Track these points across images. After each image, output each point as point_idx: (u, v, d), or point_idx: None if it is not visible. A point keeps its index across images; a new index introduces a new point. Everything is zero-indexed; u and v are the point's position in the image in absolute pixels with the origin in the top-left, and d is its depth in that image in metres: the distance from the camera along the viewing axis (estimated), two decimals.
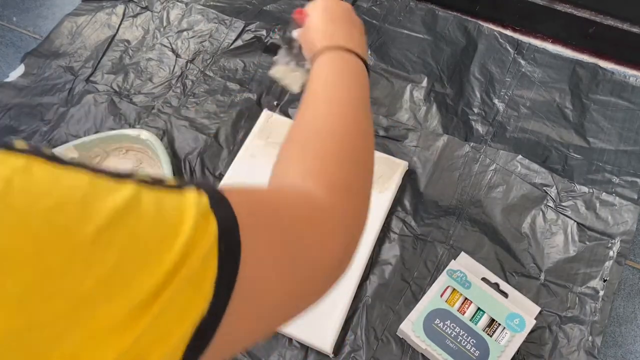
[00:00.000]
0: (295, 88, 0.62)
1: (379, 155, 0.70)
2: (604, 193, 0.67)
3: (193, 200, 0.24)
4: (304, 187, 0.36)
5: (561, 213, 0.66)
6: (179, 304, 0.22)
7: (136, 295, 0.21)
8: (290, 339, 0.60)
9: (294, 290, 0.31)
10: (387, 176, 0.68)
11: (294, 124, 0.44)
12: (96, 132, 0.75)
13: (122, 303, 0.21)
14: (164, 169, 0.70)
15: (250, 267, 0.25)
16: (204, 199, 0.25)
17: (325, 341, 0.59)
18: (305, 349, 0.60)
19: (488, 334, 0.58)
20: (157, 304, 0.21)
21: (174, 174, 0.71)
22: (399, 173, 0.68)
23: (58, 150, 0.68)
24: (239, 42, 0.82)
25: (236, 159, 0.71)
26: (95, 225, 0.21)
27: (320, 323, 0.60)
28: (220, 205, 0.25)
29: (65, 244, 0.20)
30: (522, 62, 0.79)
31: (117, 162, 0.73)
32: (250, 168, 0.70)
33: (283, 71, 0.64)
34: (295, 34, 0.59)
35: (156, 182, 0.24)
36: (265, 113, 0.74)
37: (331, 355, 0.59)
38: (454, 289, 0.60)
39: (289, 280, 0.30)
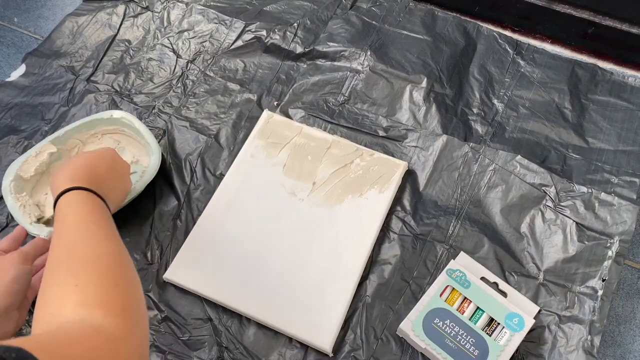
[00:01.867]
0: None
1: (378, 155, 0.70)
2: (602, 193, 0.67)
3: None
4: (93, 320, 0.37)
5: (560, 213, 0.66)
6: None
7: None
8: (290, 338, 0.60)
9: None
10: (387, 176, 0.68)
11: (53, 255, 0.46)
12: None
13: None
14: (146, 140, 0.70)
15: None
16: None
17: (324, 340, 0.59)
18: (305, 348, 0.60)
19: (487, 334, 0.58)
20: None
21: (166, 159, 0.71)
22: (398, 173, 0.68)
23: (37, 147, 0.69)
24: (240, 43, 0.83)
25: (237, 159, 0.71)
26: None
27: (319, 322, 0.60)
28: None
29: None
30: (521, 62, 0.79)
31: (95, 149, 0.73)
32: (251, 168, 0.70)
33: None
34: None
35: None
36: (265, 113, 0.74)
37: (330, 355, 0.59)
38: (453, 289, 0.61)
39: None
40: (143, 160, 0.72)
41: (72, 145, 0.72)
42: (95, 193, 0.52)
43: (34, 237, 0.61)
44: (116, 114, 0.72)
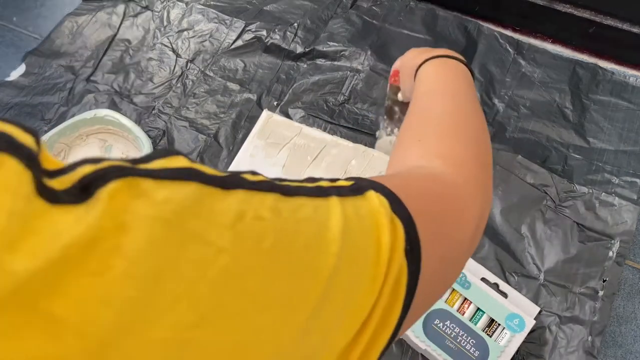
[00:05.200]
0: None
1: (378, 156, 0.70)
2: (603, 193, 0.67)
3: (379, 206, 0.25)
4: (433, 168, 0.35)
5: (561, 213, 0.66)
6: (385, 314, 0.23)
7: (360, 317, 0.22)
8: None
9: (444, 274, 0.31)
10: None
11: (406, 121, 0.44)
12: None
13: (350, 328, 0.22)
14: (135, 133, 0.70)
15: (424, 263, 0.26)
16: (385, 202, 0.25)
17: None
18: None
19: (488, 334, 0.58)
20: (372, 320, 0.23)
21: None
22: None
23: None
24: (240, 42, 0.82)
25: (236, 159, 0.71)
26: (331, 254, 0.21)
27: None
28: (399, 207, 0.26)
29: (316, 283, 0.21)
30: (522, 62, 0.79)
31: (82, 152, 0.73)
32: (250, 168, 0.70)
33: (390, 142, 0.66)
34: (400, 96, 0.59)
35: (338, 189, 0.25)
36: (265, 113, 0.74)
37: None
38: (453, 289, 0.60)
39: (443, 267, 0.30)
40: (133, 155, 0.72)
41: (58, 150, 0.72)
42: (454, 58, 0.48)
43: None
44: (99, 112, 0.72)
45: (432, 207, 0.31)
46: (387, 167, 0.41)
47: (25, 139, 0.18)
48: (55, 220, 0.17)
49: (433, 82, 0.46)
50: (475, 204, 0.35)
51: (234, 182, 0.21)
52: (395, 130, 0.66)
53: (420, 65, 0.49)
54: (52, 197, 0.17)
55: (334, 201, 0.23)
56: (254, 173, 0.24)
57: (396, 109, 0.62)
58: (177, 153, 0.22)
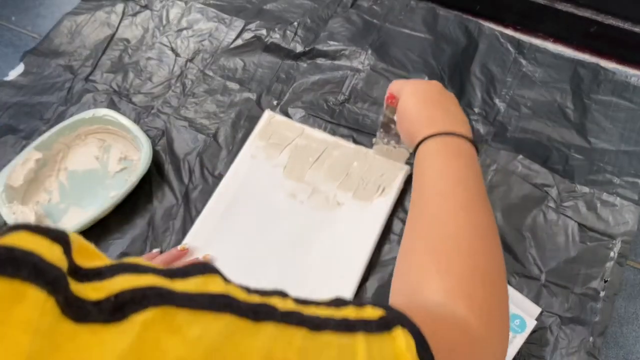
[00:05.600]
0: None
1: (379, 157, 0.69)
2: (604, 193, 0.66)
3: (405, 351, 0.24)
4: (456, 312, 0.34)
5: (562, 213, 0.66)
6: None
7: None
8: None
9: None
10: (388, 180, 0.67)
11: (414, 225, 0.42)
12: None
13: None
14: (133, 133, 0.70)
15: None
16: (412, 345, 0.25)
17: None
18: None
19: None
20: None
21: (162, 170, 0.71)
22: (400, 177, 0.68)
23: (22, 155, 0.68)
24: (239, 42, 0.82)
25: (237, 159, 0.70)
26: None
27: None
28: (425, 354, 0.26)
29: None
30: (523, 61, 0.79)
31: (81, 152, 0.72)
32: (251, 169, 0.69)
33: (386, 150, 0.66)
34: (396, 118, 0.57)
35: (365, 323, 0.24)
36: (267, 114, 0.73)
37: None
38: None
39: None
40: (132, 155, 0.72)
41: (57, 150, 0.72)
42: (460, 136, 0.45)
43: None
44: (98, 112, 0.72)
45: (459, 356, 0.31)
46: (396, 277, 0.40)
47: (53, 253, 0.18)
48: (81, 346, 0.16)
49: (443, 181, 0.42)
50: (496, 353, 0.34)
51: (265, 312, 0.22)
52: (392, 142, 0.66)
53: (423, 140, 0.46)
54: (81, 314, 0.17)
55: (360, 342, 0.23)
56: (283, 295, 0.24)
57: (392, 126, 0.62)
58: (214, 271, 0.22)
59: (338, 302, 0.26)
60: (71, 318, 0.17)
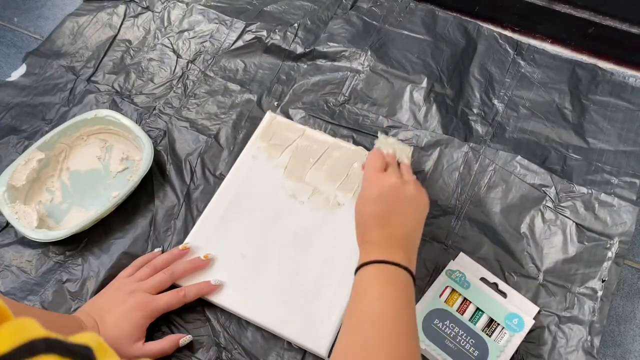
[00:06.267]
0: (404, 159, 0.64)
1: None
2: (602, 194, 0.67)
3: None
4: None
5: (560, 213, 0.66)
6: None
7: None
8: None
9: None
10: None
11: (344, 344, 0.47)
12: None
13: None
14: (135, 133, 0.71)
15: None
16: None
17: (321, 345, 0.59)
18: (303, 350, 0.60)
19: (487, 334, 0.58)
20: None
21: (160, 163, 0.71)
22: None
23: (25, 155, 0.69)
24: (240, 43, 0.83)
25: (238, 160, 0.71)
26: None
27: (316, 326, 0.60)
28: None
29: None
30: (522, 62, 0.79)
31: (83, 152, 0.73)
32: (252, 169, 0.70)
33: (390, 143, 0.66)
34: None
35: None
36: (268, 115, 0.74)
37: (327, 359, 0.59)
38: (453, 289, 0.61)
39: None
40: (134, 156, 0.73)
41: (59, 150, 0.72)
42: (406, 269, 0.50)
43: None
44: (100, 112, 0.72)
45: None
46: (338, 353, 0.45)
47: None
48: None
49: (373, 308, 0.47)
50: None
51: None
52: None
53: (360, 266, 0.51)
54: None
55: None
56: None
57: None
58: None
59: None
60: None
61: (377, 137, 0.66)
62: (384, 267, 0.50)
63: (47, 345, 0.19)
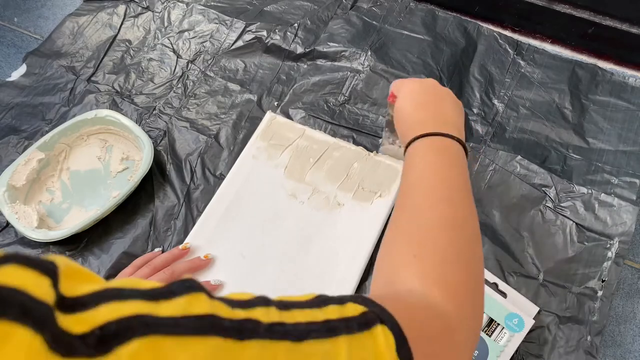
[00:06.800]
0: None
1: (380, 159, 0.69)
2: (602, 194, 0.67)
3: (384, 349, 0.26)
4: (430, 298, 0.35)
5: (560, 214, 0.66)
6: None
7: None
8: None
9: None
10: (388, 181, 0.68)
11: (396, 217, 0.43)
12: None
13: None
14: (135, 133, 0.71)
15: None
16: (391, 342, 0.26)
17: None
18: None
19: (487, 334, 0.58)
20: None
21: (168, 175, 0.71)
22: (400, 179, 0.68)
23: (25, 155, 0.69)
24: (240, 43, 0.83)
25: (238, 160, 0.71)
26: None
27: None
28: (403, 349, 0.27)
29: None
30: (522, 62, 0.79)
31: (83, 152, 0.73)
32: (252, 169, 0.70)
33: (392, 150, 0.67)
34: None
35: (347, 322, 0.26)
36: (269, 115, 0.74)
37: None
38: None
39: None
40: (134, 155, 0.73)
41: (59, 150, 0.72)
42: (449, 136, 0.47)
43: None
44: (100, 112, 0.72)
45: (434, 347, 0.32)
46: (377, 267, 0.42)
47: (41, 287, 0.18)
48: None
49: (427, 176, 0.44)
50: (467, 344, 0.36)
51: (249, 330, 0.22)
52: (397, 141, 0.66)
53: (413, 140, 0.48)
54: (68, 349, 0.17)
55: (342, 347, 0.24)
56: (266, 303, 0.25)
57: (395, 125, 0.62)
58: (199, 288, 0.22)
59: (320, 301, 0.27)
60: (59, 354, 0.17)
61: (376, 137, 0.66)
62: (434, 138, 0.46)
63: (6, 257, 0.18)
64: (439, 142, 0.47)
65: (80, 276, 0.21)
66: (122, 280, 0.22)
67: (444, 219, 0.40)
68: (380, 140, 0.70)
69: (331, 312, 0.26)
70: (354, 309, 0.27)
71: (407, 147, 0.49)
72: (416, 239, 0.40)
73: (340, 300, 0.27)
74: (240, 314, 0.23)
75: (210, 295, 0.23)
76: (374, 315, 0.27)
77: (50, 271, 0.19)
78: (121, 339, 0.18)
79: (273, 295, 0.27)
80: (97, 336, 0.18)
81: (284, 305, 0.25)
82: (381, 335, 0.26)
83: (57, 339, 0.17)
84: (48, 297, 0.18)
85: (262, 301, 0.25)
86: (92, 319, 0.18)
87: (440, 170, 0.44)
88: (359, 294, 0.29)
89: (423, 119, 0.49)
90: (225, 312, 0.22)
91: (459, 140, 0.47)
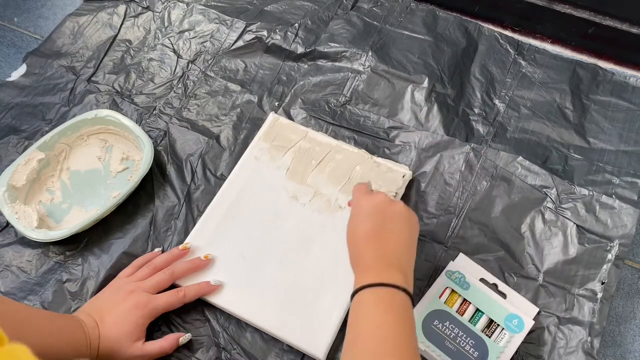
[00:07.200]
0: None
1: (382, 161, 0.69)
2: (603, 196, 0.67)
3: None
4: None
5: (561, 215, 0.66)
6: None
7: None
8: None
9: None
10: (390, 184, 0.67)
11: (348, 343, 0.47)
12: None
13: None
14: (135, 133, 0.71)
15: None
16: None
17: (319, 348, 0.58)
18: (302, 352, 0.60)
19: (487, 335, 0.58)
20: None
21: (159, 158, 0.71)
22: (402, 183, 0.67)
23: (25, 155, 0.69)
24: (240, 43, 0.83)
25: (240, 161, 0.71)
26: None
27: (315, 329, 0.59)
28: None
29: None
30: (523, 62, 0.79)
31: (83, 152, 0.73)
32: (254, 170, 0.70)
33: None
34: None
35: None
36: (271, 116, 0.74)
37: None
38: (452, 290, 0.61)
39: None
40: (134, 156, 0.73)
41: (59, 150, 0.72)
42: (403, 290, 0.48)
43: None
44: (100, 112, 0.72)
45: None
46: None
47: None
48: None
49: (374, 334, 0.46)
50: None
51: None
52: None
53: (357, 291, 0.49)
54: None
55: None
56: None
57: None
58: None
59: None
60: None
61: (377, 137, 0.66)
62: (380, 290, 0.48)
63: None
64: (385, 294, 0.48)
65: None
66: None
67: None
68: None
69: None
70: None
71: (354, 292, 0.50)
72: None
73: None
74: None
75: None
76: None
77: None
78: None
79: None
80: None
81: None
82: None
83: None
84: None
85: None
86: None
87: (387, 328, 0.46)
88: None
89: (370, 260, 0.50)
90: None
91: (404, 290, 0.48)
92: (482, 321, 0.59)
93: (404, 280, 0.49)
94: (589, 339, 0.59)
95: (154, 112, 0.77)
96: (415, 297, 0.62)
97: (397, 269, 0.50)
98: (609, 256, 0.63)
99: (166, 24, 0.85)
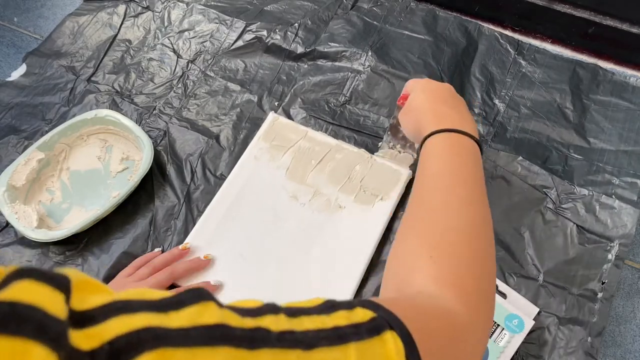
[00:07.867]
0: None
1: (381, 161, 0.69)
2: (603, 196, 0.67)
3: (394, 352, 0.25)
4: (443, 301, 0.35)
5: (561, 215, 0.66)
6: None
7: None
8: None
9: None
10: (390, 184, 0.67)
11: (411, 215, 0.43)
12: None
13: None
14: (135, 133, 0.71)
15: None
16: (401, 348, 0.26)
17: None
18: None
19: None
20: None
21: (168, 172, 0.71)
22: (402, 182, 0.68)
23: (25, 155, 0.69)
24: (240, 43, 0.82)
25: (240, 160, 0.71)
26: None
27: None
28: (414, 353, 0.26)
29: None
30: (523, 62, 0.79)
31: (83, 152, 0.73)
32: (254, 170, 0.70)
33: (390, 154, 0.67)
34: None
35: (357, 329, 0.25)
36: (271, 116, 0.74)
37: None
38: None
39: None
40: (134, 155, 0.73)
41: (59, 150, 0.72)
42: (466, 134, 0.47)
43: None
44: (100, 112, 0.72)
45: (443, 352, 0.31)
46: (388, 266, 0.41)
47: (56, 304, 0.18)
48: None
49: (445, 175, 0.44)
50: (480, 341, 0.35)
51: (260, 338, 0.22)
52: (398, 146, 0.66)
53: (429, 135, 0.48)
54: None
55: (352, 353, 0.24)
56: (274, 311, 0.24)
57: (401, 128, 0.62)
58: (208, 297, 0.22)
59: (328, 307, 0.27)
60: None
61: (377, 137, 0.66)
62: (451, 135, 0.46)
63: (21, 272, 0.18)
64: (456, 139, 0.46)
65: (89, 288, 0.21)
66: (130, 292, 0.22)
67: (462, 220, 0.40)
68: (380, 143, 0.69)
69: (340, 318, 0.26)
70: (362, 315, 0.27)
71: (423, 141, 0.48)
72: (432, 240, 0.39)
73: (349, 305, 0.27)
74: (250, 322, 0.23)
75: (219, 304, 0.22)
76: (383, 320, 0.27)
77: (63, 286, 0.19)
78: (131, 354, 0.18)
79: (272, 295, 0.26)
80: (107, 352, 0.18)
81: (292, 312, 0.25)
82: (391, 341, 0.26)
83: (69, 358, 0.17)
84: (62, 314, 0.18)
85: (271, 309, 0.24)
86: (101, 334, 0.18)
87: (458, 170, 0.44)
88: (367, 299, 0.29)
89: (440, 113, 0.49)
90: (236, 321, 0.22)
91: (475, 140, 0.47)
92: None
93: (472, 130, 0.48)
94: (589, 339, 0.59)
95: (154, 112, 0.77)
96: None
97: (467, 123, 0.49)
98: (609, 256, 0.63)
99: (166, 23, 0.85)
